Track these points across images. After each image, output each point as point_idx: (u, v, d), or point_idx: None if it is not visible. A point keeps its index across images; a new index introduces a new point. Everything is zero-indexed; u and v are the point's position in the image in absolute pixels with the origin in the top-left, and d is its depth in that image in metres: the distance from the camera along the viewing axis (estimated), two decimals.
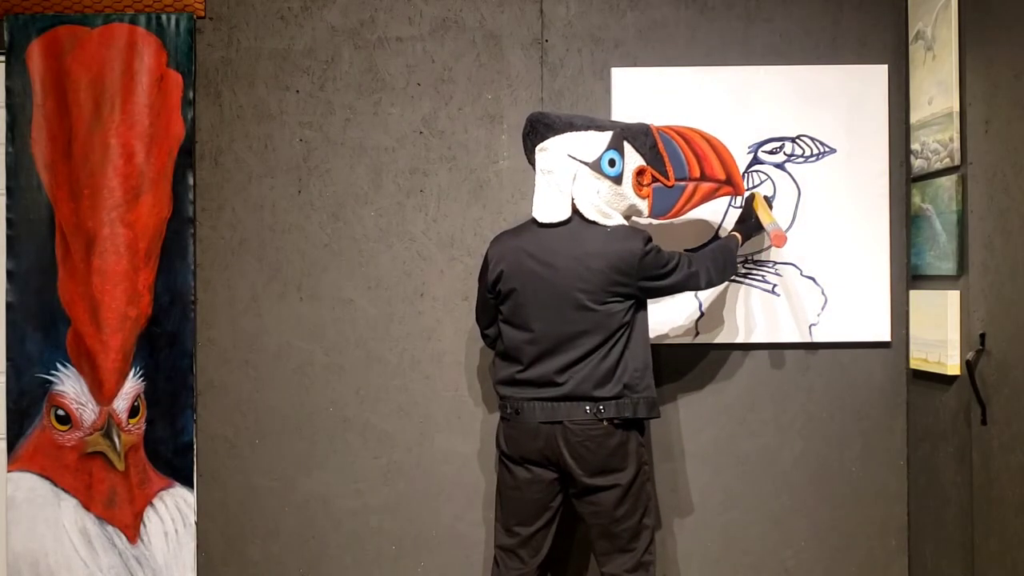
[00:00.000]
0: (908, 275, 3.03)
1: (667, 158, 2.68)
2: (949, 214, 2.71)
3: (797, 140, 3.04)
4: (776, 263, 3.04)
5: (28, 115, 3.04)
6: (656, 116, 3.02)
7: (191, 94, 3.06)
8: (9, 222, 3.06)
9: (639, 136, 2.66)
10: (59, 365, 3.04)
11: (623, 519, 2.60)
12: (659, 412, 2.66)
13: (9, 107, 3.06)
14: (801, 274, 3.03)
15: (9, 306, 3.06)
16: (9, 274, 3.06)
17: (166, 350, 3.04)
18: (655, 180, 2.67)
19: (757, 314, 3.04)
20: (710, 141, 2.75)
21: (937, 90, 2.78)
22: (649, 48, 3.07)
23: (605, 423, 2.55)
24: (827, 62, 3.05)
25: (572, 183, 2.59)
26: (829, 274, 3.03)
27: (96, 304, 3.02)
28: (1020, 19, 2.41)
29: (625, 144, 2.63)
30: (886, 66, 3.04)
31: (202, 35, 3.09)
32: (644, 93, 3.04)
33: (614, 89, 3.04)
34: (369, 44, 3.09)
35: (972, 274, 2.63)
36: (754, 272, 3.03)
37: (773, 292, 3.04)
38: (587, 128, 2.60)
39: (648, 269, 2.57)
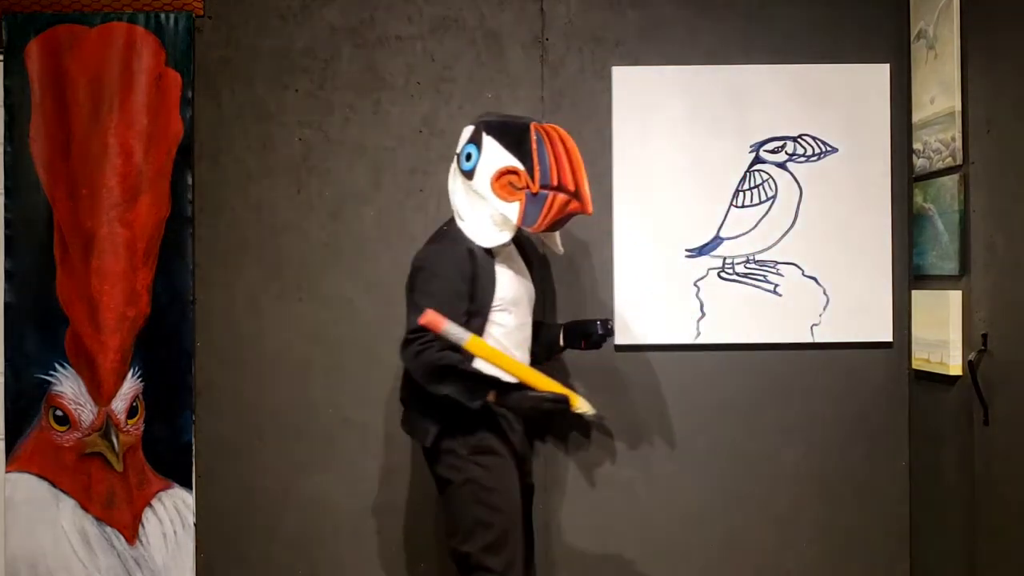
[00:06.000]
0: (910, 275, 3.02)
1: (536, 160, 2.43)
2: (951, 214, 2.70)
3: (799, 139, 3.03)
4: (778, 263, 3.02)
5: (26, 114, 3.03)
6: (657, 115, 3.02)
7: (190, 93, 3.05)
8: (7, 222, 3.05)
9: (511, 132, 2.46)
10: (57, 365, 3.03)
11: (448, 535, 2.53)
12: (430, 442, 2.46)
13: (7, 106, 3.05)
14: (803, 274, 3.02)
15: (7, 306, 3.05)
16: (7, 274, 3.05)
17: (165, 350, 3.03)
18: (527, 185, 2.44)
19: (759, 314, 3.03)
20: (565, 143, 2.48)
21: (939, 89, 2.76)
22: (650, 47, 3.06)
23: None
24: (829, 61, 3.03)
25: (451, 180, 2.57)
26: (831, 274, 3.02)
27: (95, 304, 3.01)
28: (1022, 18, 2.40)
29: (485, 138, 2.46)
30: (888, 65, 3.03)
31: (201, 34, 3.08)
32: (645, 92, 3.02)
33: (615, 88, 3.03)
34: (369, 43, 3.08)
35: (974, 274, 2.62)
36: (756, 272, 3.02)
37: (775, 292, 3.03)
38: (471, 123, 2.55)
39: (412, 271, 2.49)
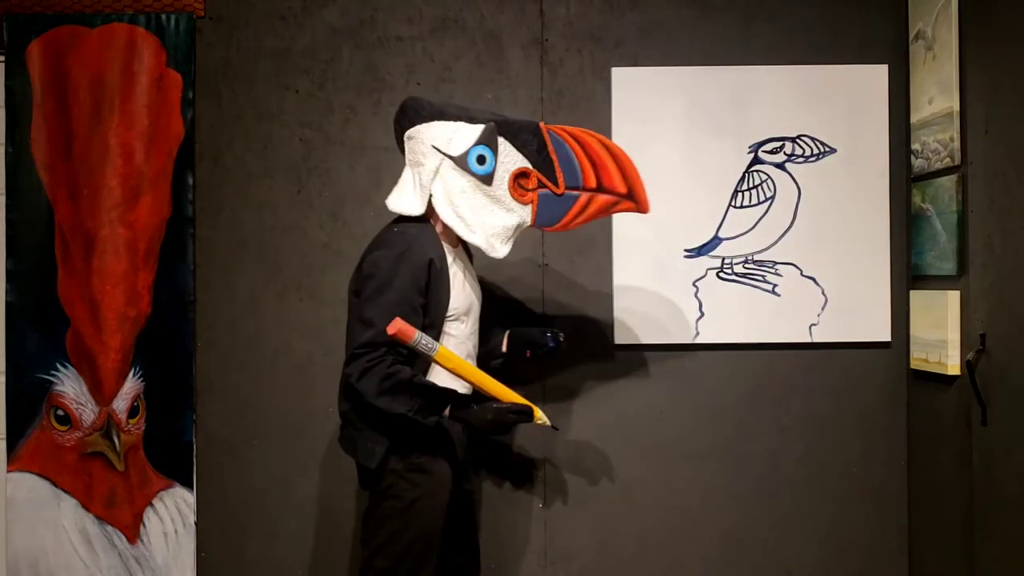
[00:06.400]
0: (908, 275, 3.02)
1: (557, 162, 2.42)
2: (949, 214, 2.71)
3: (797, 140, 3.03)
4: (776, 263, 3.03)
5: (28, 115, 3.04)
6: (656, 116, 3.03)
7: (191, 94, 3.05)
8: (9, 222, 3.06)
9: (522, 134, 2.42)
10: (59, 365, 3.04)
11: (362, 542, 2.41)
12: (375, 464, 2.32)
13: (9, 107, 3.06)
14: (801, 274, 3.03)
15: (9, 306, 3.06)
16: (9, 274, 3.06)
17: (165, 350, 3.04)
18: (542, 185, 2.42)
19: (757, 314, 3.03)
20: (610, 148, 2.47)
21: (937, 90, 2.77)
22: (649, 47, 3.06)
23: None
24: (827, 62, 3.04)
25: (433, 178, 2.37)
26: (829, 274, 3.03)
27: (96, 304, 3.02)
28: (1020, 19, 2.41)
29: (500, 141, 2.39)
30: (886, 66, 3.04)
31: (202, 35, 3.09)
32: (644, 92, 3.03)
33: (614, 88, 3.04)
34: (369, 44, 3.08)
35: (972, 274, 2.62)
36: (754, 272, 3.03)
37: (773, 292, 3.03)
38: (458, 118, 2.39)
39: (360, 276, 2.35)
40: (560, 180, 2.42)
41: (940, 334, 2.75)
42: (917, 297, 2.95)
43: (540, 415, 2.36)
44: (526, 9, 3.08)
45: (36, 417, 3.04)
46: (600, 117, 3.04)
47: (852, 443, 3.06)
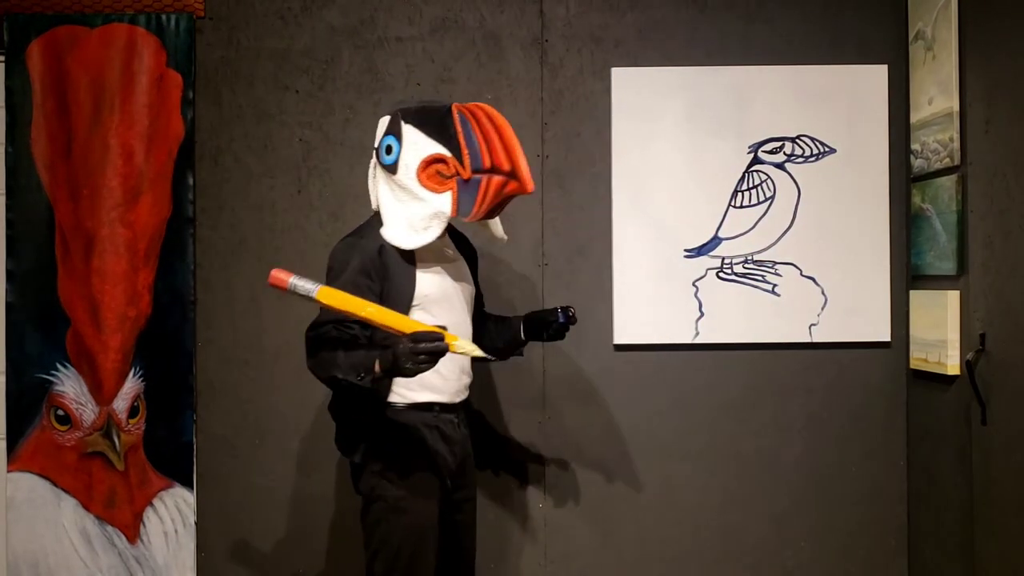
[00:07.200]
0: (908, 275, 3.03)
1: (464, 144, 2.24)
2: (949, 214, 2.71)
3: (797, 140, 3.03)
4: (776, 263, 3.03)
5: (28, 115, 3.04)
6: (656, 116, 3.03)
7: (191, 94, 3.05)
8: (9, 222, 3.06)
9: (432, 118, 2.27)
10: (59, 365, 3.04)
11: (364, 547, 2.38)
12: (359, 459, 2.34)
13: (9, 107, 3.06)
14: (801, 274, 3.03)
15: (9, 306, 3.06)
16: (9, 274, 3.06)
17: (166, 350, 3.04)
18: (457, 172, 2.25)
19: (757, 314, 3.03)
20: (494, 120, 2.26)
21: (937, 90, 2.77)
22: (649, 47, 3.07)
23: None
24: (827, 62, 3.04)
25: (371, 176, 2.41)
26: (829, 274, 3.03)
27: (96, 304, 3.02)
28: (1020, 19, 2.41)
29: (404, 127, 2.28)
30: (886, 66, 3.04)
31: (202, 35, 3.09)
32: (644, 92, 3.03)
33: (614, 89, 3.04)
34: (369, 44, 3.09)
35: (972, 274, 2.62)
36: (754, 272, 3.03)
37: (773, 292, 3.04)
38: (388, 113, 2.36)
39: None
40: (467, 163, 2.23)
41: (940, 334, 2.75)
42: (917, 297, 2.95)
43: (461, 343, 2.12)
44: (526, 9, 3.08)
45: (36, 417, 3.04)
46: (600, 117, 3.04)
47: (851, 443, 3.06)
